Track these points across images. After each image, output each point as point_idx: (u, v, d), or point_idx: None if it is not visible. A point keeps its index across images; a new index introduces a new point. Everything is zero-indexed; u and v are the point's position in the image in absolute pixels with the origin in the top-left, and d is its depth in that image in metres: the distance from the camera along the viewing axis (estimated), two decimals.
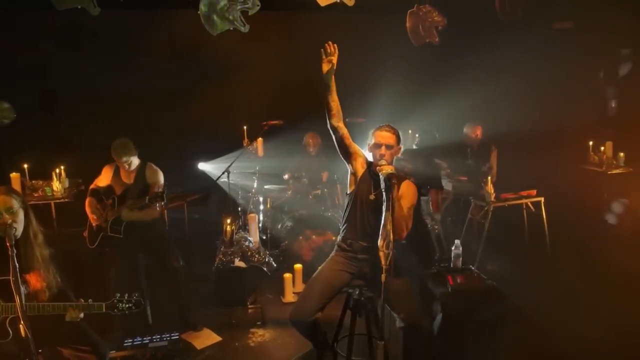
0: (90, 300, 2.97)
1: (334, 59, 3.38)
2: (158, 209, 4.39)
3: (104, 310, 3.00)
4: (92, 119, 6.82)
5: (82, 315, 2.95)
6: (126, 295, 3.07)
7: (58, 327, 2.93)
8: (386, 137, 3.52)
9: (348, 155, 3.62)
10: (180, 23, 6.31)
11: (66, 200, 5.54)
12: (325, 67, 3.39)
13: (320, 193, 6.31)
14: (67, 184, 5.66)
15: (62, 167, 5.63)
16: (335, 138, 3.58)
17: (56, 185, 5.55)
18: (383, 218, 3.02)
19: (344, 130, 3.56)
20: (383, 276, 2.90)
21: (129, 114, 6.80)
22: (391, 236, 2.93)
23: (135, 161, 4.47)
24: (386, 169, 3.14)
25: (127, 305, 3.06)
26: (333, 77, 3.44)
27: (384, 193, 3.10)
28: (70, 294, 3.05)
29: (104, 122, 6.64)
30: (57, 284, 3.02)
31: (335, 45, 3.38)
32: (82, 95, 7.00)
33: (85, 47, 6.90)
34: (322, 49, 3.36)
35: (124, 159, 4.38)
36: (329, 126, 3.55)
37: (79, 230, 4.62)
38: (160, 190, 4.32)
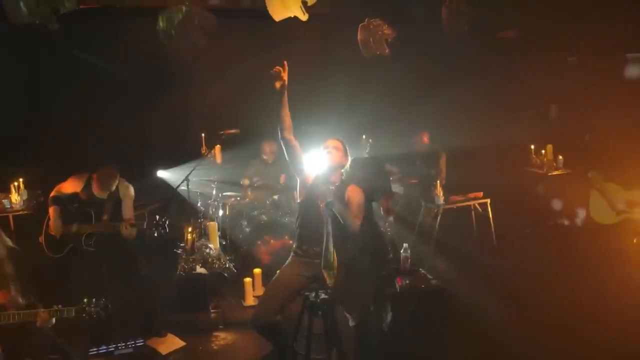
0: (59, 306, 3.06)
1: (285, 76, 3.52)
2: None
3: (73, 314, 3.09)
4: (49, 128, 6.74)
5: (53, 320, 3.03)
6: (94, 299, 3.18)
7: (27, 339, 3.01)
8: (332, 141, 3.83)
9: (299, 165, 3.82)
10: (139, 33, 6.35)
11: (25, 212, 5.52)
12: (277, 84, 3.54)
13: (277, 199, 6.47)
14: (26, 196, 5.64)
15: (21, 180, 5.62)
16: (287, 150, 3.74)
17: (15, 197, 5.53)
18: (325, 239, 3.25)
19: (295, 142, 3.74)
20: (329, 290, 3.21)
21: (86, 122, 6.79)
22: (335, 256, 3.18)
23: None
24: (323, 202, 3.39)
25: (95, 309, 3.17)
26: (285, 92, 3.58)
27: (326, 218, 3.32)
28: (39, 307, 3.12)
29: (61, 131, 6.61)
30: (17, 304, 3.05)
31: (284, 62, 3.52)
32: (38, 105, 6.93)
33: (39, 56, 6.84)
34: (270, 72, 3.51)
35: (112, 187, 4.47)
36: (280, 139, 3.71)
37: (37, 242, 4.57)
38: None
